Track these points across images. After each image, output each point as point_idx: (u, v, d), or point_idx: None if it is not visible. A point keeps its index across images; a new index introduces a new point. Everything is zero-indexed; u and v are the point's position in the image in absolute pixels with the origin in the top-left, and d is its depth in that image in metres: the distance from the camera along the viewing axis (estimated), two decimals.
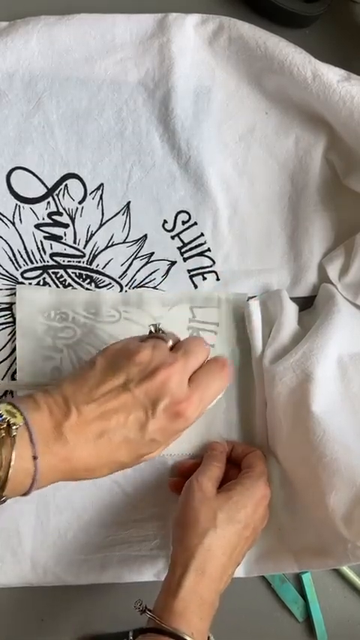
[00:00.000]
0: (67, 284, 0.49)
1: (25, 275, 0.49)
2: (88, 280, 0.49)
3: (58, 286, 0.49)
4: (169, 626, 0.37)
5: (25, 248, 0.49)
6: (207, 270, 0.50)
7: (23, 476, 0.33)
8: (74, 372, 0.38)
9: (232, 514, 0.41)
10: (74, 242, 0.49)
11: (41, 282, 0.49)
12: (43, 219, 0.49)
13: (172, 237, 0.50)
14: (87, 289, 0.49)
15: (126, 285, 0.49)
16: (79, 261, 0.49)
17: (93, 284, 0.49)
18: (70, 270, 0.49)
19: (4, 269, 0.48)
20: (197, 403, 0.37)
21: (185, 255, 0.50)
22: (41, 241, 0.49)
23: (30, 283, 0.48)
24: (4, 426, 0.33)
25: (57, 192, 0.49)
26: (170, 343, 0.40)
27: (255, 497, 0.42)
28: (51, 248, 0.49)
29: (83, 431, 0.35)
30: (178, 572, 0.39)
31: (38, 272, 0.49)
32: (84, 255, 0.49)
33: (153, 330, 0.41)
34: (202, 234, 0.50)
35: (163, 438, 0.37)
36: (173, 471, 0.48)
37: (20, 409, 0.34)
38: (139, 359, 0.37)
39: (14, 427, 0.33)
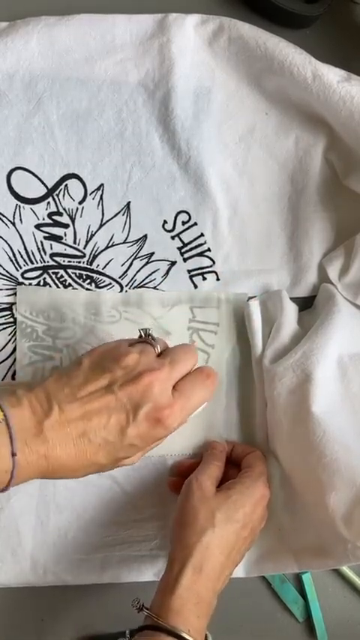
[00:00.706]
0: (67, 284, 0.49)
1: (26, 275, 0.49)
2: (89, 280, 0.49)
3: (58, 286, 0.49)
4: (166, 623, 0.37)
5: (26, 248, 0.49)
6: (207, 270, 0.50)
7: (1, 472, 0.33)
8: (60, 370, 0.38)
9: (230, 513, 0.41)
10: (74, 242, 0.49)
11: (41, 283, 0.49)
12: (44, 219, 0.49)
13: (172, 238, 0.50)
14: (87, 289, 0.49)
15: (126, 286, 0.49)
16: (80, 262, 0.49)
17: (93, 284, 0.49)
18: (70, 271, 0.49)
19: (4, 269, 0.48)
20: (179, 412, 0.37)
21: (185, 256, 0.50)
22: (41, 241, 0.49)
23: (30, 283, 0.49)
24: None
25: (57, 192, 0.49)
26: (159, 349, 0.40)
27: (254, 497, 0.42)
28: (51, 248, 0.49)
29: (64, 430, 0.34)
30: (175, 569, 0.39)
31: (38, 272, 0.49)
32: (84, 256, 0.49)
33: (143, 334, 0.41)
34: (202, 235, 0.50)
35: (142, 444, 0.37)
36: (172, 470, 0.48)
37: (1, 405, 0.34)
38: (125, 362, 0.37)
39: None
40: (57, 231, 0.49)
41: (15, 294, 0.48)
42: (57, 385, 0.36)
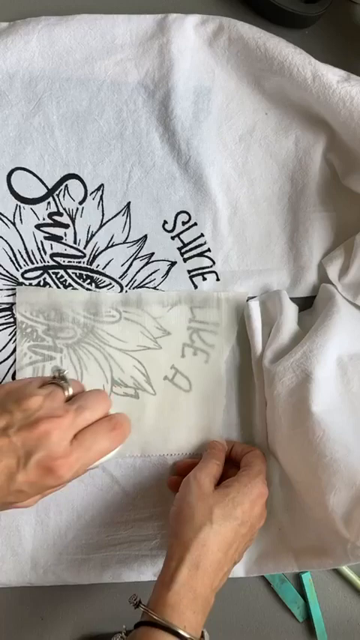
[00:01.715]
0: (67, 284, 0.49)
1: (26, 275, 0.49)
2: (89, 280, 0.49)
3: (58, 287, 0.49)
4: (162, 619, 0.37)
5: (26, 248, 0.49)
6: (207, 270, 0.50)
7: None
8: None
9: (228, 510, 0.41)
10: (74, 242, 0.49)
11: (42, 283, 0.49)
12: (44, 219, 0.49)
13: (172, 238, 0.50)
14: (87, 289, 0.49)
15: (126, 286, 0.49)
16: (80, 262, 0.49)
17: (93, 284, 0.49)
18: (70, 271, 0.49)
19: (4, 269, 0.48)
20: (73, 463, 0.36)
21: (185, 256, 0.50)
22: (41, 241, 0.49)
23: (30, 284, 0.49)
24: None
25: (57, 192, 0.49)
26: (69, 392, 0.38)
27: (252, 495, 0.42)
28: (51, 248, 0.49)
29: None
30: (172, 566, 0.39)
31: (39, 272, 0.49)
32: (84, 256, 0.49)
33: (57, 375, 0.39)
34: (202, 235, 0.50)
35: (32, 491, 0.36)
36: (173, 469, 0.48)
37: None
38: (26, 405, 0.36)
39: None
40: (57, 231, 0.49)
41: (15, 294, 0.48)
42: None
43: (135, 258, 0.50)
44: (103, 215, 0.49)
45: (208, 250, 0.50)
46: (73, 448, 0.36)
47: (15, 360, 0.48)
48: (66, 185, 0.49)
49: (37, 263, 0.49)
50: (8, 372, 0.48)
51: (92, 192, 0.49)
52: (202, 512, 0.40)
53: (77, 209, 0.49)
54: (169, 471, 0.49)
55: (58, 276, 0.49)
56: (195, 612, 0.38)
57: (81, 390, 0.40)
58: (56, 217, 0.49)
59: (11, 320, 0.48)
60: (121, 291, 0.49)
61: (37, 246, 0.49)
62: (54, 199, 0.49)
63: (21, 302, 0.48)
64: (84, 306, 0.49)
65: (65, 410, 0.36)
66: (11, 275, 0.48)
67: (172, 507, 0.43)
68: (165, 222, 0.50)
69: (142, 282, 0.50)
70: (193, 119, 0.48)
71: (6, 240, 0.48)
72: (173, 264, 0.50)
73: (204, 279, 0.50)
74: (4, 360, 0.48)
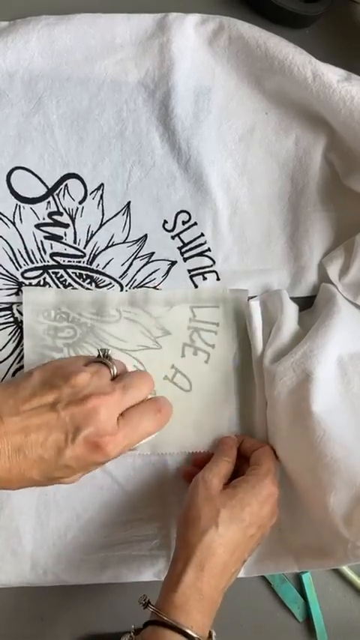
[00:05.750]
0: (67, 284, 0.49)
1: (26, 275, 0.49)
2: (89, 280, 0.49)
3: (58, 286, 0.49)
4: (170, 619, 0.37)
5: (26, 248, 0.49)
6: (207, 270, 0.50)
7: None
8: (10, 380, 0.37)
9: (236, 512, 0.41)
10: (74, 242, 0.49)
11: (41, 282, 0.49)
12: (44, 219, 0.49)
13: (173, 237, 0.50)
14: (87, 289, 0.49)
15: (126, 285, 0.49)
16: (80, 261, 0.49)
17: (93, 284, 0.49)
18: (70, 270, 0.49)
19: (4, 269, 0.48)
20: (121, 440, 0.36)
21: (185, 255, 0.50)
22: (41, 241, 0.49)
23: (30, 283, 0.49)
24: None
25: (57, 192, 0.49)
26: (114, 372, 0.39)
27: (261, 496, 0.42)
28: (51, 248, 0.49)
29: (1, 442, 0.34)
30: (179, 567, 0.39)
31: (38, 272, 0.49)
32: (84, 255, 0.49)
33: (100, 354, 0.40)
34: (202, 234, 0.50)
35: (79, 467, 0.36)
36: (189, 461, 0.48)
37: None
38: (74, 381, 0.36)
39: None
40: (57, 230, 0.49)
41: (15, 293, 0.48)
42: (2, 395, 0.36)
43: (135, 258, 0.49)
44: (103, 214, 0.49)
45: (209, 250, 0.50)
46: (120, 426, 0.36)
47: (14, 360, 0.48)
48: (66, 184, 0.49)
49: (37, 263, 0.49)
50: (8, 371, 0.48)
51: (92, 192, 0.49)
52: (208, 515, 0.40)
53: (77, 208, 0.49)
54: (169, 471, 0.48)
55: (58, 275, 0.49)
56: (202, 613, 0.38)
57: (125, 370, 0.40)
58: (56, 217, 0.49)
59: (11, 320, 0.48)
60: (121, 290, 0.49)
61: (37, 245, 0.49)
62: (54, 199, 0.49)
63: (27, 301, 0.48)
64: (84, 305, 0.49)
65: (112, 388, 0.37)
66: (11, 275, 0.48)
67: (176, 511, 0.43)
68: (165, 221, 0.50)
69: (142, 281, 0.50)
70: (193, 119, 0.48)
71: (6, 240, 0.48)
72: (173, 263, 0.50)
73: (204, 278, 0.50)
74: (4, 360, 0.48)
